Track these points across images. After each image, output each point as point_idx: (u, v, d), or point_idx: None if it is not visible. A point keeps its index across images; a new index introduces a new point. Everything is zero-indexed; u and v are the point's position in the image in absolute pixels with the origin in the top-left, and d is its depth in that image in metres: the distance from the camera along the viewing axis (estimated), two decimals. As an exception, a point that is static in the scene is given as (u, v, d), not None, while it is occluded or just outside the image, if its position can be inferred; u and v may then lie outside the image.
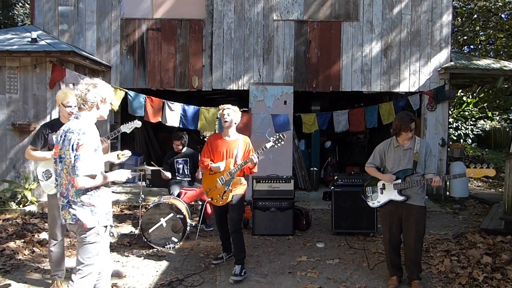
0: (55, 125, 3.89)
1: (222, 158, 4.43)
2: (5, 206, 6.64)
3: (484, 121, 18.58)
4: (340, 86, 8.78)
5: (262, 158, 8.54)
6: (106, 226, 3.03)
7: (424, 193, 4.17)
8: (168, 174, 6.09)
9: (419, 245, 4.12)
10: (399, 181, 4.06)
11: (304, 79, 8.77)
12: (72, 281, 2.96)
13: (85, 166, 2.83)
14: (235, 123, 4.50)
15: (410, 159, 4.08)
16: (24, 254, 4.91)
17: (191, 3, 8.83)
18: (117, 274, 4.39)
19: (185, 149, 6.37)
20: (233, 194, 4.40)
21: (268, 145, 4.29)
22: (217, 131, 16.52)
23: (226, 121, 4.42)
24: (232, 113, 4.44)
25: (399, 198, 4.07)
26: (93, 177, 2.88)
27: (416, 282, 4.09)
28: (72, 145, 2.86)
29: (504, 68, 8.63)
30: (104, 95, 3.04)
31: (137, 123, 4.68)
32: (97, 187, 2.96)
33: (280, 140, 4.29)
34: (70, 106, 3.82)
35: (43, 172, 3.99)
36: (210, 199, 4.55)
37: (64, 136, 2.95)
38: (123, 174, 3.16)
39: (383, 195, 4.21)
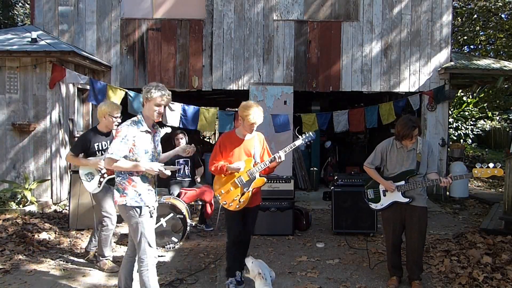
0: (96, 134, 4.55)
1: (238, 159, 3.92)
2: (5, 206, 6.63)
3: (484, 121, 18.57)
4: (340, 86, 8.78)
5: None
6: (139, 208, 3.37)
7: (425, 193, 4.17)
8: (168, 172, 6.03)
9: (421, 245, 4.13)
10: (403, 182, 4.04)
11: (304, 79, 8.77)
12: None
13: (112, 149, 3.32)
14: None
15: (413, 160, 4.05)
16: (24, 254, 4.91)
17: (191, 3, 8.83)
18: (116, 274, 4.39)
19: (186, 149, 6.35)
20: (251, 204, 3.98)
21: (298, 142, 3.99)
22: (217, 131, 16.44)
23: (254, 123, 3.85)
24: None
25: (403, 200, 4.04)
26: (114, 161, 3.30)
27: (416, 282, 4.09)
28: None
29: (504, 68, 8.63)
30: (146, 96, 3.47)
31: (168, 129, 4.85)
32: (130, 173, 3.39)
33: (310, 138, 4.00)
34: (117, 117, 4.51)
35: (85, 174, 4.53)
36: (223, 204, 3.94)
37: None
38: (154, 167, 3.41)
39: (386, 197, 4.17)
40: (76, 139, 4.67)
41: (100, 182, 4.49)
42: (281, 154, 3.84)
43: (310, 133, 4.04)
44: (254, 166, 3.92)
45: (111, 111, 4.48)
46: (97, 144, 4.51)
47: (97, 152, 4.50)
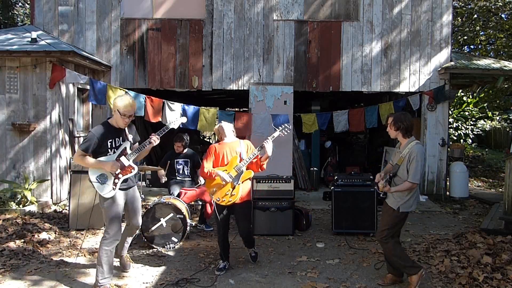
0: (109, 129, 4.01)
1: (226, 160, 4.49)
2: (5, 206, 6.63)
3: (484, 121, 18.55)
4: (340, 86, 8.78)
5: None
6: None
7: (403, 198, 4.02)
8: (164, 179, 5.99)
9: (383, 241, 4.09)
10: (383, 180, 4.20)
11: (304, 79, 8.77)
12: None
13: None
14: (228, 134, 4.67)
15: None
16: (24, 254, 4.91)
17: (191, 3, 8.83)
18: (117, 274, 4.39)
19: (186, 150, 6.37)
20: (238, 201, 4.43)
21: (276, 134, 4.49)
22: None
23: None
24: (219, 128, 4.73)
25: (381, 194, 4.21)
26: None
27: (413, 276, 4.03)
28: None
29: (504, 68, 8.63)
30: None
31: (183, 119, 4.77)
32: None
33: (286, 129, 4.52)
34: (130, 116, 4.00)
35: (97, 176, 3.99)
36: (216, 200, 4.42)
37: None
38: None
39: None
40: (87, 135, 4.12)
41: (115, 184, 4.01)
42: (265, 144, 4.34)
43: (286, 124, 4.59)
44: (240, 162, 4.44)
45: (123, 109, 3.91)
46: (110, 140, 3.99)
47: (109, 150, 3.99)
